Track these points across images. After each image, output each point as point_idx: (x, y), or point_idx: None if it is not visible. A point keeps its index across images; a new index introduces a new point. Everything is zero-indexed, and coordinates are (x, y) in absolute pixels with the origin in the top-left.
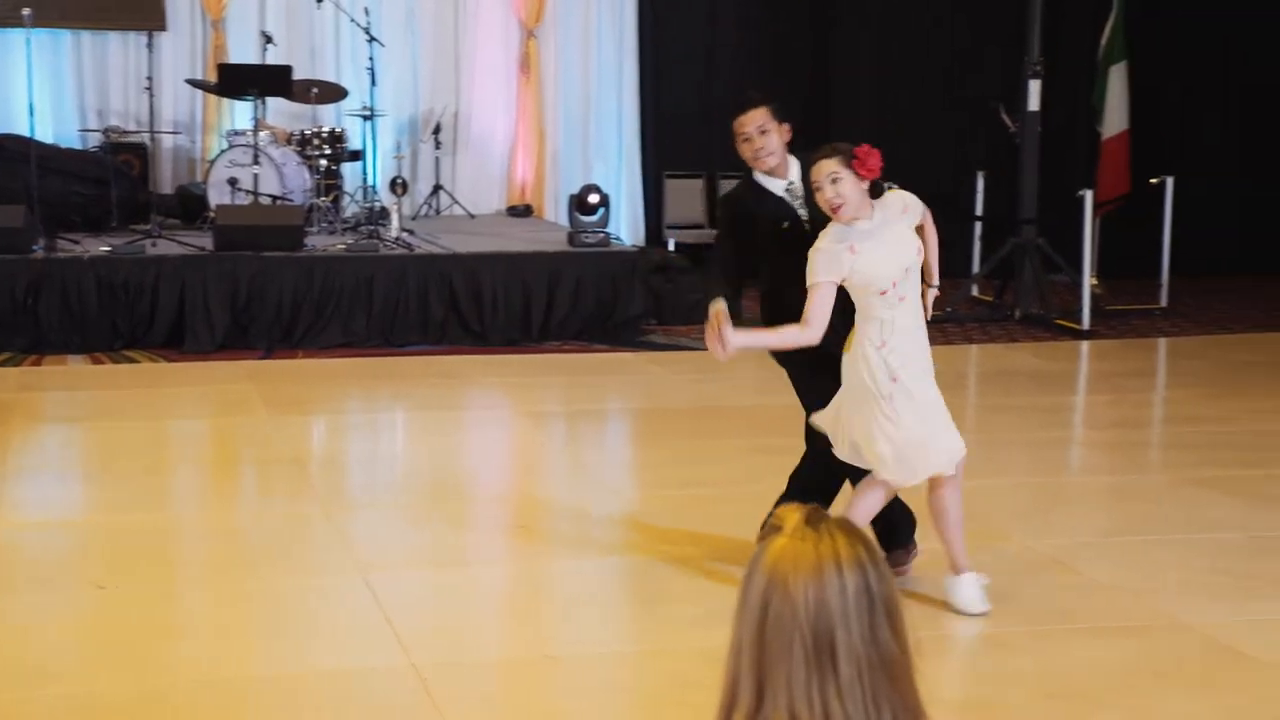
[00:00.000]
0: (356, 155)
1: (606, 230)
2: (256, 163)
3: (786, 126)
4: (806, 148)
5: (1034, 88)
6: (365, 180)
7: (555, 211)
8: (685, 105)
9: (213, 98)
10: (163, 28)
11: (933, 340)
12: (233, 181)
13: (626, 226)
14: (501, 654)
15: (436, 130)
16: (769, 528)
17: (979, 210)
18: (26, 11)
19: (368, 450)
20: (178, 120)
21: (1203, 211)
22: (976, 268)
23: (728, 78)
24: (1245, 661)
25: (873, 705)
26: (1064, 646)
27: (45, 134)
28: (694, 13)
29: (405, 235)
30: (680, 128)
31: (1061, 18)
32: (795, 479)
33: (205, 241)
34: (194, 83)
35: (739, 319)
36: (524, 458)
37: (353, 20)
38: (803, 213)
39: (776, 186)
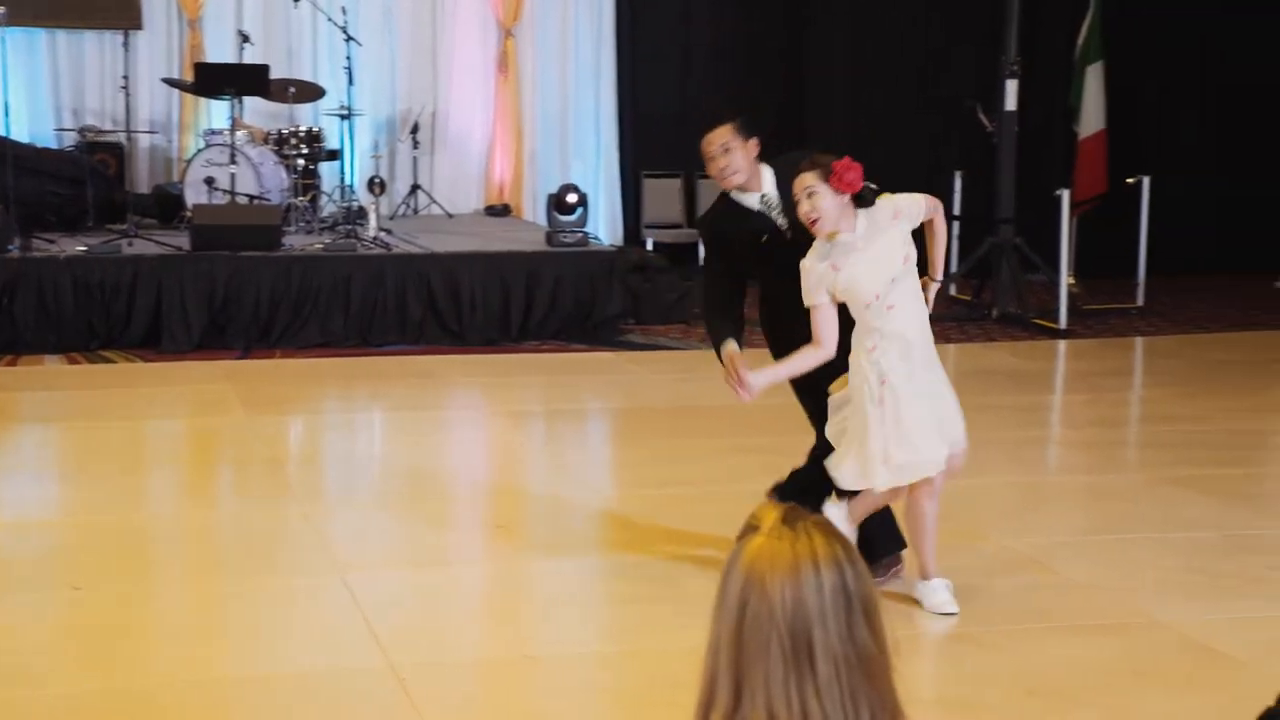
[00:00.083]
0: (334, 155)
1: (585, 230)
2: (233, 162)
3: (754, 141)
4: (781, 149)
5: (1011, 87)
6: (343, 180)
7: (533, 211)
8: (663, 105)
9: (189, 97)
10: (139, 26)
11: None
12: (209, 181)
13: (605, 226)
14: (480, 654)
15: (414, 130)
16: (746, 527)
17: (956, 210)
18: (1, 10)
19: (346, 450)
20: (154, 120)
21: (1180, 211)
22: (954, 267)
23: (703, 77)
24: (1221, 659)
25: (850, 704)
26: (1042, 645)
27: (21, 133)
28: (670, 12)
29: (383, 235)
30: (658, 127)
31: (1038, 18)
32: (794, 475)
33: (182, 241)
34: (170, 82)
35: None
36: (503, 457)
37: (330, 19)
38: (781, 221)
39: (751, 201)
